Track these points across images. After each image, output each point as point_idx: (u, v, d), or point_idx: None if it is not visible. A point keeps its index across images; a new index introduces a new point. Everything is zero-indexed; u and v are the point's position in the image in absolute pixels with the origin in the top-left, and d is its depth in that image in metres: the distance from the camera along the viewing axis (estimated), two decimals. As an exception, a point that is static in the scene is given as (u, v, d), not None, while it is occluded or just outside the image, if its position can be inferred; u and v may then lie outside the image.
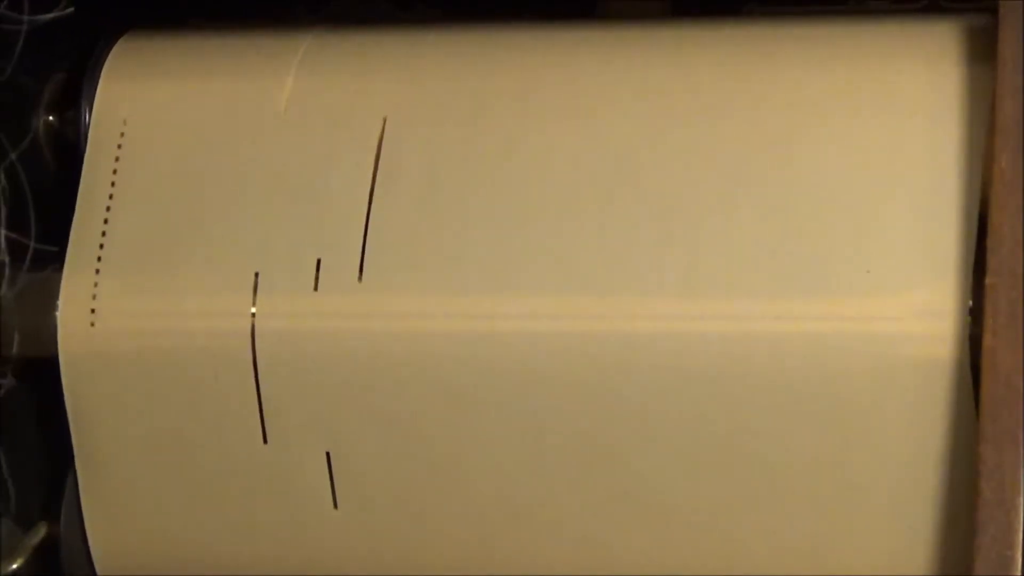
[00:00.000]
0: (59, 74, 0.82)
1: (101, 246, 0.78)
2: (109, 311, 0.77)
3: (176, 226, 0.77)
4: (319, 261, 0.75)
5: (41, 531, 0.81)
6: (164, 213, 0.77)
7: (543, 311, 0.72)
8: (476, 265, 0.73)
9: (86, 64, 0.81)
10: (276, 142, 0.77)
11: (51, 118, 0.82)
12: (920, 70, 0.72)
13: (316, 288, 0.74)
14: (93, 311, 0.77)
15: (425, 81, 0.77)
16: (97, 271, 0.77)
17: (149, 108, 0.80)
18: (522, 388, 0.72)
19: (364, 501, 0.76)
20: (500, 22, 0.80)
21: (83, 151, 0.80)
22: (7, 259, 0.79)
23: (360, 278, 0.74)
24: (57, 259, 0.78)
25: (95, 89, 0.80)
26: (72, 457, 0.79)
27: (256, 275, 0.75)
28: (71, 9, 0.80)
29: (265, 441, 0.76)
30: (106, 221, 0.78)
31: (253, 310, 0.75)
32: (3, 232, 0.79)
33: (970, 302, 0.68)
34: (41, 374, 0.79)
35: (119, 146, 0.79)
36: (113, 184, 0.78)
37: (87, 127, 0.80)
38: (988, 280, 0.67)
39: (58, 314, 0.78)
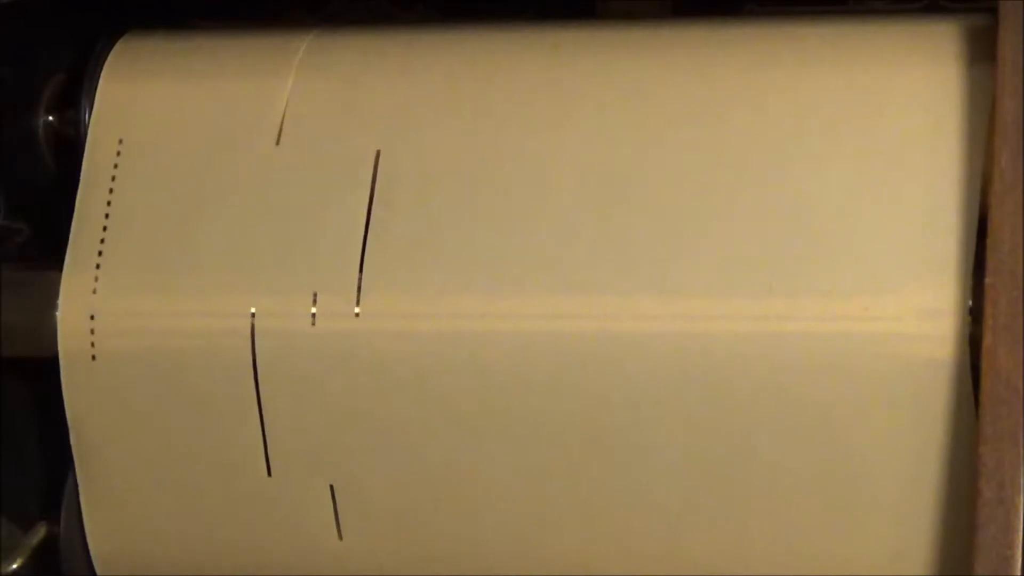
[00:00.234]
0: (59, 74, 0.82)
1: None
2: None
3: (176, 226, 0.77)
4: (315, 295, 0.75)
5: (41, 531, 0.81)
6: (164, 213, 0.77)
7: (540, 312, 0.72)
8: (475, 288, 0.73)
9: (86, 64, 0.81)
10: (273, 163, 0.77)
11: (51, 118, 0.82)
12: (920, 70, 0.72)
13: (314, 324, 0.74)
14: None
15: (423, 88, 0.77)
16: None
17: (149, 108, 0.80)
18: (524, 397, 0.72)
19: (369, 530, 0.76)
20: (499, 22, 0.80)
21: (83, 151, 0.80)
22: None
23: (357, 306, 0.74)
24: (57, 259, 0.78)
25: (95, 89, 0.80)
26: (72, 457, 0.79)
27: (252, 315, 0.75)
28: None
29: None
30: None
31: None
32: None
33: (970, 302, 0.68)
34: (41, 374, 0.79)
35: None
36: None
37: (87, 127, 0.80)
38: (988, 280, 0.67)
39: (58, 314, 0.78)
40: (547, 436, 0.73)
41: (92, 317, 0.77)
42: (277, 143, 0.77)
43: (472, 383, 0.73)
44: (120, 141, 0.79)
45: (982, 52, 0.71)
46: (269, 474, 0.76)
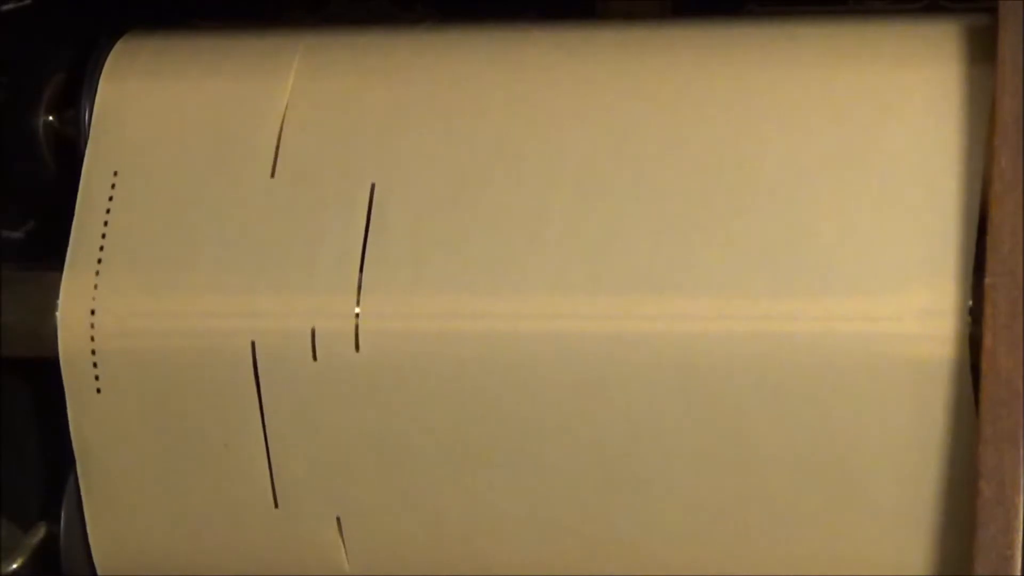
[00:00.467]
0: (59, 74, 0.82)
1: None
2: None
3: (176, 226, 0.77)
4: (313, 331, 0.75)
5: (41, 531, 0.81)
6: (164, 213, 0.77)
7: (540, 312, 0.72)
8: (475, 289, 0.73)
9: (86, 64, 0.81)
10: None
11: (51, 118, 0.82)
12: (920, 70, 0.72)
13: (315, 359, 0.74)
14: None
15: (422, 88, 0.77)
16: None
17: (149, 108, 0.80)
18: (525, 397, 0.73)
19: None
20: (499, 22, 0.80)
21: (83, 151, 0.80)
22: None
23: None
24: (57, 259, 0.78)
25: (95, 89, 0.80)
26: (72, 457, 0.79)
27: (253, 344, 0.75)
28: (27, 1, 0.80)
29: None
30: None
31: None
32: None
33: (970, 302, 0.68)
34: (41, 374, 0.79)
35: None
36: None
37: (87, 127, 0.80)
38: (988, 280, 0.67)
39: (58, 314, 0.78)
40: (548, 436, 0.73)
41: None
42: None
43: (472, 383, 0.73)
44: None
45: (982, 52, 0.71)
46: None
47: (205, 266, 0.76)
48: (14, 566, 0.80)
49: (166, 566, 0.79)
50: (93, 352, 0.77)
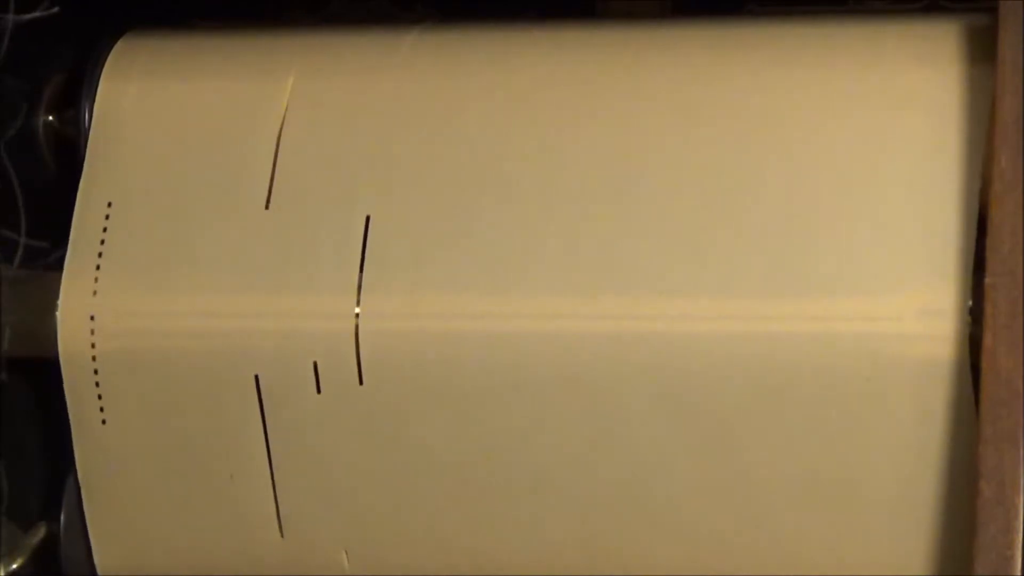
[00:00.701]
0: (59, 74, 0.82)
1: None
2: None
3: (176, 226, 0.77)
4: (316, 364, 0.75)
5: (41, 531, 0.81)
6: (164, 213, 0.77)
7: (540, 312, 0.72)
8: (475, 289, 0.73)
9: (86, 64, 0.81)
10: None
11: (51, 118, 0.82)
12: (920, 70, 0.72)
13: (319, 391, 0.74)
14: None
15: (422, 87, 0.77)
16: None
17: (149, 108, 0.80)
18: (525, 397, 0.73)
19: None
20: (499, 22, 0.80)
21: (83, 151, 0.80)
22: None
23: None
24: (57, 259, 0.78)
25: (95, 89, 0.80)
26: (72, 457, 0.79)
27: (257, 379, 0.75)
28: (55, 9, 0.80)
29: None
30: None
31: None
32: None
33: (970, 302, 0.68)
34: (41, 374, 0.79)
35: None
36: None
37: (87, 127, 0.80)
38: (988, 280, 0.67)
39: (58, 314, 0.78)
40: (548, 437, 0.73)
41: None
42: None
43: (473, 383, 0.73)
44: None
45: (982, 52, 0.71)
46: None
47: (205, 266, 0.76)
48: (14, 566, 0.80)
49: (167, 566, 0.79)
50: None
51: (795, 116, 0.73)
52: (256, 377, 0.75)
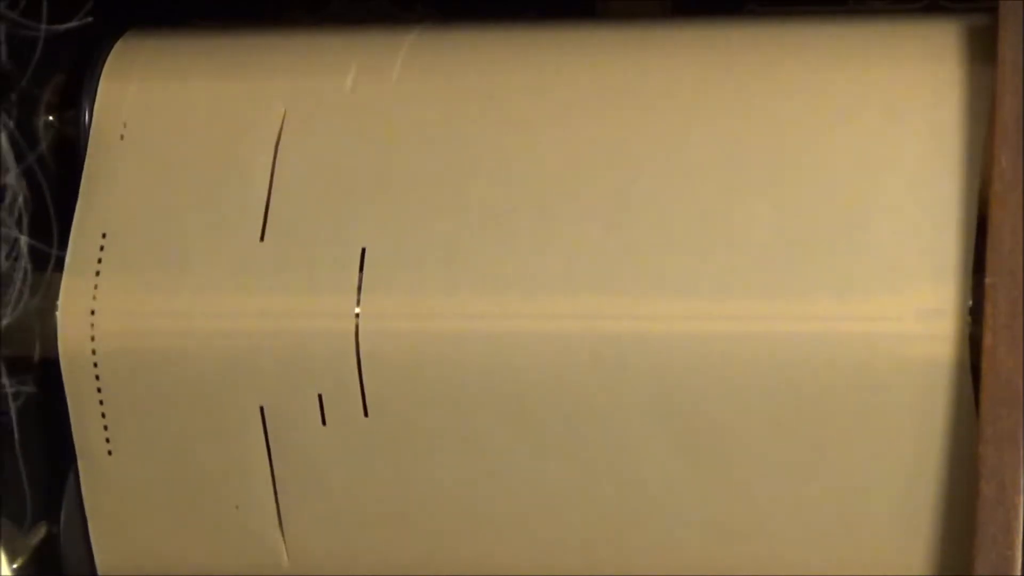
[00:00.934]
0: (59, 74, 0.82)
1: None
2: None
3: (176, 226, 0.77)
4: (321, 397, 0.75)
5: (41, 531, 0.81)
6: (164, 213, 0.77)
7: (541, 312, 0.72)
8: (475, 289, 0.73)
9: (86, 64, 0.81)
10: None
11: (51, 118, 0.82)
12: (920, 70, 0.72)
13: (324, 424, 0.75)
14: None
15: (422, 86, 0.77)
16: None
17: (149, 108, 0.80)
18: (525, 397, 0.73)
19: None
20: (499, 22, 0.80)
21: (83, 151, 0.80)
22: (29, 265, 0.79)
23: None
24: (57, 259, 0.78)
25: (95, 89, 0.80)
26: (72, 457, 0.79)
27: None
28: (89, 19, 0.80)
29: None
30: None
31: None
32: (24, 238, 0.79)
33: (970, 302, 0.68)
34: (41, 374, 0.79)
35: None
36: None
37: (87, 127, 0.80)
38: (988, 280, 0.67)
39: (58, 314, 0.78)
40: (549, 436, 0.73)
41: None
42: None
43: (473, 383, 0.73)
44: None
45: (982, 52, 0.71)
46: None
47: (205, 265, 0.76)
48: (14, 566, 0.80)
49: (168, 566, 0.79)
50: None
51: (795, 116, 0.73)
52: (261, 409, 0.75)
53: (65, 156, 0.81)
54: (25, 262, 0.79)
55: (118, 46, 0.81)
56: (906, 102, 0.72)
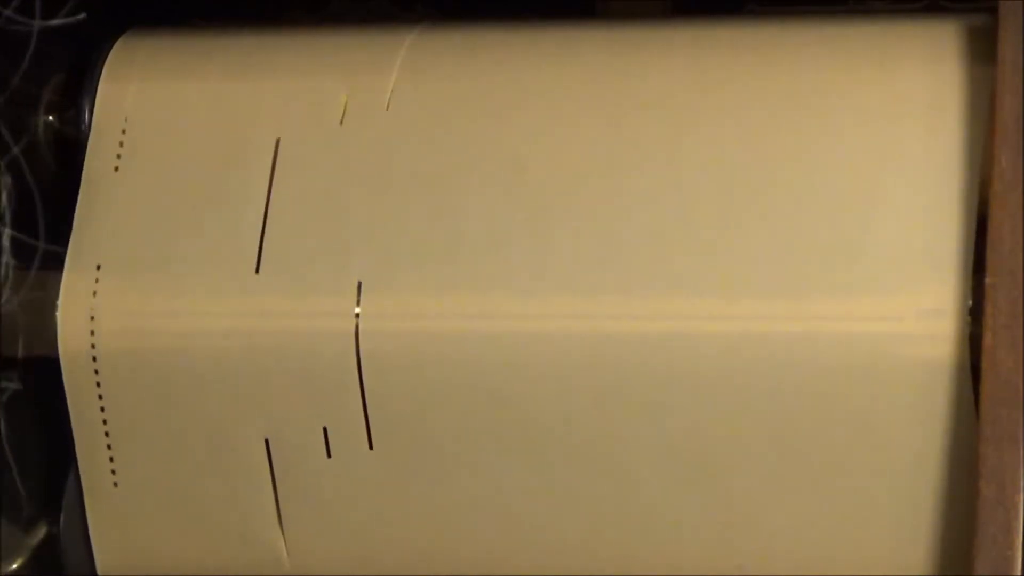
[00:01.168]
0: (59, 74, 0.82)
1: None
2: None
3: (176, 226, 0.77)
4: (325, 429, 0.75)
5: (41, 531, 0.81)
6: (164, 213, 0.77)
7: (541, 312, 0.72)
8: (475, 289, 0.73)
9: (86, 64, 0.81)
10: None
11: (51, 118, 0.82)
12: (920, 70, 0.72)
13: (329, 456, 0.75)
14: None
15: (423, 86, 0.77)
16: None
17: (149, 108, 0.80)
18: (525, 397, 0.73)
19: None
20: (499, 22, 0.80)
21: (83, 151, 0.80)
22: (12, 261, 0.79)
23: (371, 446, 0.75)
24: (57, 259, 0.78)
25: (95, 89, 0.80)
26: (72, 457, 0.79)
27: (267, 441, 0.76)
28: (82, 15, 0.80)
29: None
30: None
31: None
32: (8, 232, 0.79)
33: (970, 302, 0.68)
34: (41, 374, 0.79)
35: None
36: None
37: (87, 127, 0.80)
38: (988, 280, 0.67)
39: (58, 314, 0.78)
40: (549, 436, 0.73)
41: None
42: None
43: (472, 383, 0.73)
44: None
45: (982, 52, 0.71)
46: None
47: (205, 265, 0.76)
48: (14, 566, 0.80)
49: (168, 566, 0.79)
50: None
51: (794, 116, 0.73)
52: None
53: (65, 156, 0.81)
54: (7, 258, 0.79)
55: (118, 46, 0.81)
56: (906, 102, 0.72)
